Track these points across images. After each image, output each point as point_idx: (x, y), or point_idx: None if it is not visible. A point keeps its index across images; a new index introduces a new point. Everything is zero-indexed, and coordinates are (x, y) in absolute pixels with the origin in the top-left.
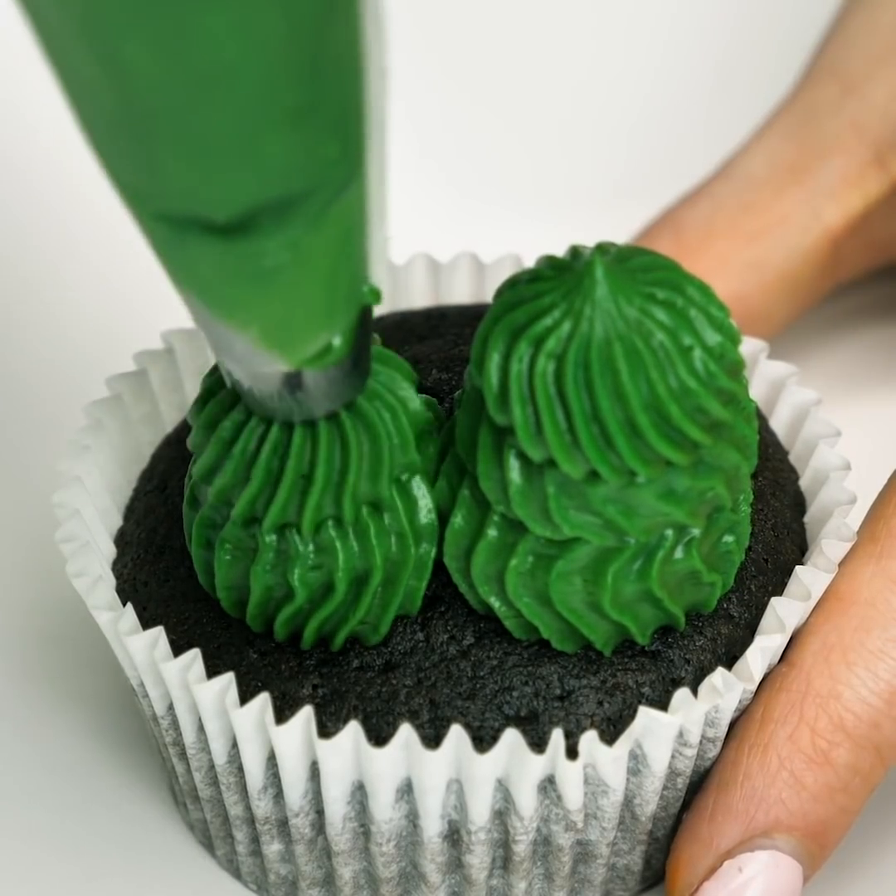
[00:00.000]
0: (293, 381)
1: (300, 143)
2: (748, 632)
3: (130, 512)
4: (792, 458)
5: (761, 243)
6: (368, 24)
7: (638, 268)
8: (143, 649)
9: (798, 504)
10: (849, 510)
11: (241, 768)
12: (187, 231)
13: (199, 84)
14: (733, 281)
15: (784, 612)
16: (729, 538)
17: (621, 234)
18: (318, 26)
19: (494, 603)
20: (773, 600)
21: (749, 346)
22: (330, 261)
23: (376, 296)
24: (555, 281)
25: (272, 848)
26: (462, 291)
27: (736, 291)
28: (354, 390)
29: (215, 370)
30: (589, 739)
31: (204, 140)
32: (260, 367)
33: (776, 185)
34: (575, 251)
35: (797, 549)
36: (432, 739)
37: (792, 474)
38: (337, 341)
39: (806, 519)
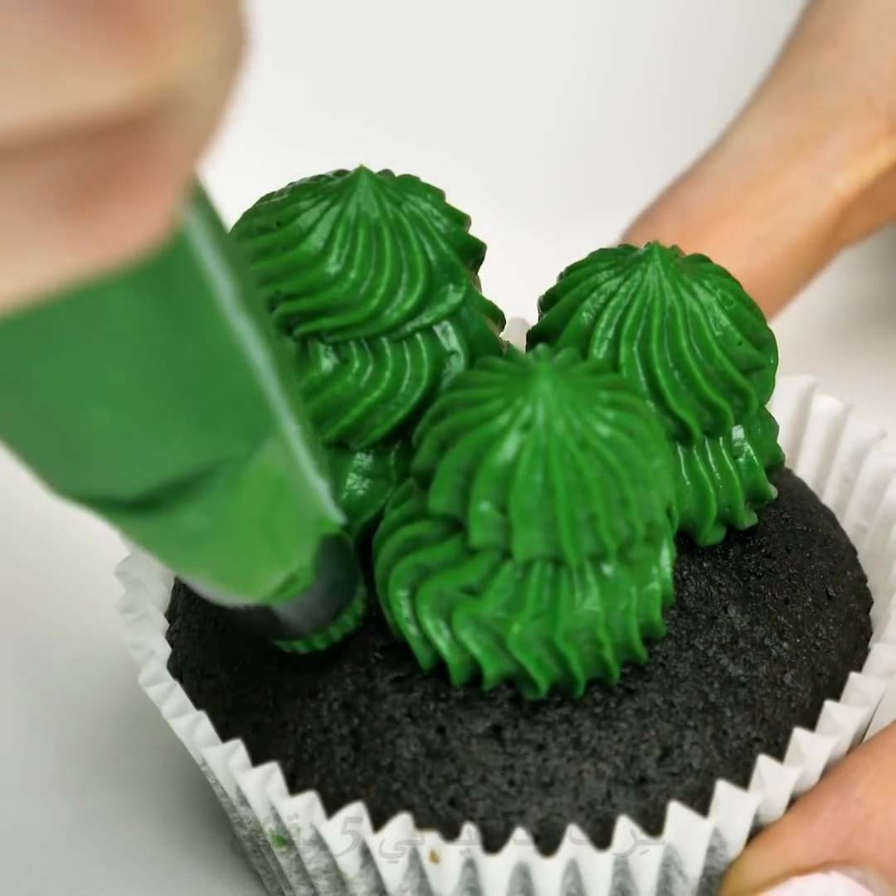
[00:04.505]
0: (265, 611)
1: (185, 435)
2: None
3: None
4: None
5: (770, 219)
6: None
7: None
8: (257, 787)
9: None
10: None
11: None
12: (101, 505)
13: (48, 420)
14: (742, 257)
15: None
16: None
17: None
18: (166, 353)
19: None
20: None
21: (798, 384)
22: (261, 514)
23: (332, 525)
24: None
25: None
26: None
27: (745, 267)
28: (338, 609)
29: None
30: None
31: (82, 452)
32: (227, 600)
33: (781, 159)
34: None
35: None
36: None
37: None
38: (301, 573)
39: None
